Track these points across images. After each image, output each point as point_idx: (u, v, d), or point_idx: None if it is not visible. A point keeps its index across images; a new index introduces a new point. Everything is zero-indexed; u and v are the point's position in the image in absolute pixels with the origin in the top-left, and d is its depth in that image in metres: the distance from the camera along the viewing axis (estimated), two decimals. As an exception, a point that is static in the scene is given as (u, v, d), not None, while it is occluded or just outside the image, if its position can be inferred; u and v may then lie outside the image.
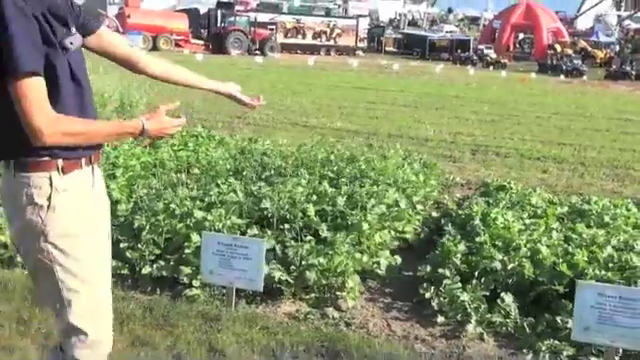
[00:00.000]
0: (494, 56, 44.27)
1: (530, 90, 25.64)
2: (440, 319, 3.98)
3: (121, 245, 4.36)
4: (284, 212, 4.68)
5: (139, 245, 4.33)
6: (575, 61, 41.02)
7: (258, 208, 4.72)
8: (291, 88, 19.75)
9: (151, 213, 4.49)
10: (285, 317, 3.98)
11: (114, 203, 5.08)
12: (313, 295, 4.19)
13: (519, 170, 9.21)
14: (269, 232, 4.50)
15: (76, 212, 2.23)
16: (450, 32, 54.99)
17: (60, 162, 2.19)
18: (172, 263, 4.25)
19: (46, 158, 2.16)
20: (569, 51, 44.09)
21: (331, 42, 47.80)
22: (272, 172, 5.63)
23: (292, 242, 4.32)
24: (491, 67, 41.65)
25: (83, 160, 2.27)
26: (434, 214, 6.04)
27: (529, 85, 28.65)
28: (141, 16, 37.76)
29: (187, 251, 4.22)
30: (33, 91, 2.03)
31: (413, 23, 63.63)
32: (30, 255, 2.22)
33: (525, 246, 4.46)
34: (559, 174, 9.09)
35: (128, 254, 4.31)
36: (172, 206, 4.57)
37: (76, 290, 2.23)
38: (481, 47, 46.87)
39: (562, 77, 36.74)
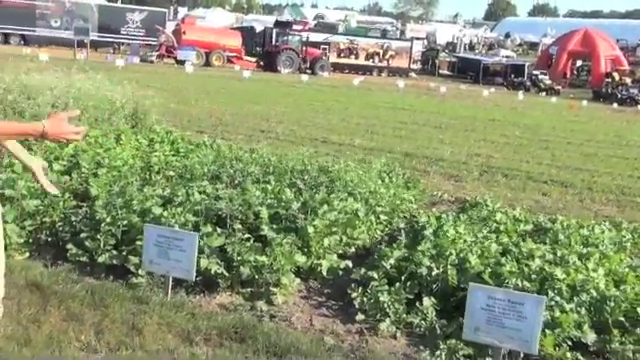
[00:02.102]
0: (548, 82, 43.84)
1: (575, 117, 25.37)
2: (360, 317, 4.24)
3: (81, 235, 4.79)
4: (237, 213, 5.03)
5: (98, 236, 4.74)
6: (631, 90, 40.22)
7: (214, 208, 5.08)
8: (326, 106, 20.17)
9: (113, 208, 4.90)
10: (217, 307, 4.31)
11: (93, 199, 5.53)
12: (249, 289, 4.51)
13: (519, 192, 9.32)
14: (219, 230, 4.84)
15: None
16: (506, 57, 54.60)
17: None
18: (124, 253, 4.64)
19: None
20: (627, 80, 43.19)
21: (384, 63, 48.27)
22: (244, 178, 6.00)
23: (233, 240, 4.65)
24: (544, 93, 41.25)
25: None
26: (401, 225, 6.28)
27: (576, 112, 28.29)
28: (196, 33, 39.04)
29: (139, 243, 4.59)
30: None
31: (470, 47, 63.45)
32: None
33: (458, 255, 4.67)
34: (559, 198, 9.15)
35: (87, 243, 4.72)
36: (134, 202, 4.98)
37: None
38: (536, 73, 46.45)
39: (615, 106, 36.08)
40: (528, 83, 44.23)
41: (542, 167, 11.77)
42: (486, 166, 11.27)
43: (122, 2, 45.96)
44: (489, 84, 44.39)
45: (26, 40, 40.51)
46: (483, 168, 11.02)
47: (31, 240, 4.92)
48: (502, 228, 5.87)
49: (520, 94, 37.37)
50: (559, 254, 4.89)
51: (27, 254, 4.79)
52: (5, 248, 4.73)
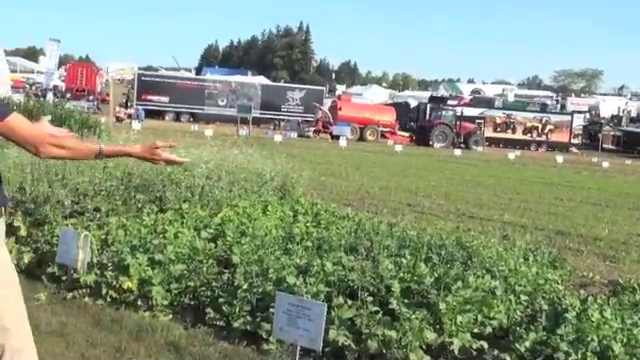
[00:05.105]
0: None
1: None
2: (489, 400, 4.05)
3: (220, 300, 5.02)
4: (369, 285, 5.04)
5: (235, 302, 4.95)
6: None
7: (346, 280, 5.14)
8: (477, 180, 19.81)
9: (250, 275, 5.11)
10: (343, 379, 4.31)
11: (234, 267, 5.79)
12: (377, 363, 4.47)
13: (686, 275, 8.53)
14: (349, 302, 4.88)
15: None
16: (680, 130, 51.11)
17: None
18: (258, 320, 4.79)
19: None
20: None
21: (542, 138, 46.95)
22: (379, 250, 6.02)
23: (362, 312, 4.66)
24: None
25: (3, 209, 2.65)
26: (544, 306, 5.96)
27: None
28: (351, 109, 40.37)
29: (271, 310, 4.74)
30: (22, 122, 2.58)
31: (638, 120, 60.01)
32: None
33: (600, 342, 4.36)
34: None
35: (225, 308, 4.95)
36: (270, 271, 5.16)
37: None
38: None
39: None
40: None
41: None
42: (648, 247, 10.45)
43: (284, 81, 48.68)
44: (659, 159, 41.61)
45: (195, 117, 43.91)
46: (645, 249, 10.23)
47: (175, 303, 5.23)
48: (657, 315, 5.40)
49: (695, 170, 34.57)
50: None
51: (170, 315, 5.09)
52: (150, 309, 5.10)
